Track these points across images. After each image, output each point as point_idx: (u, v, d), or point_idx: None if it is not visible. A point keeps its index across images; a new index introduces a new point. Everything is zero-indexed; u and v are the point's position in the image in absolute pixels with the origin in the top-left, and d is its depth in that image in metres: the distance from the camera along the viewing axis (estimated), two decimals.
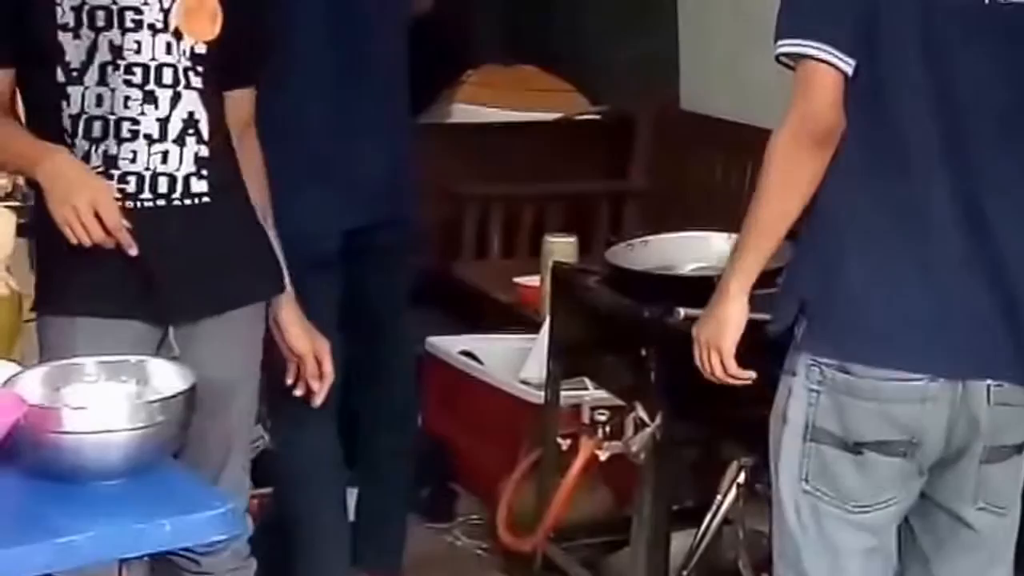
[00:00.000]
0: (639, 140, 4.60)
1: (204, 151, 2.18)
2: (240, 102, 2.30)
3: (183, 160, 2.18)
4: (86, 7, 2.14)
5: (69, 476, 1.59)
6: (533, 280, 3.82)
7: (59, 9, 2.14)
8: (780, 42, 1.87)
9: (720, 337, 2.00)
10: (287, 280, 2.36)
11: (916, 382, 1.86)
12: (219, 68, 2.21)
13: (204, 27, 2.18)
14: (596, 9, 4.94)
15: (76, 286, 2.12)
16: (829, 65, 1.83)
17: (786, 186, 1.88)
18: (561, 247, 3.72)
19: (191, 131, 2.18)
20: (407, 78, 2.99)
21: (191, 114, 2.18)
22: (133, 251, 2.07)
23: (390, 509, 3.13)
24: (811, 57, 1.83)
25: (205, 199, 2.19)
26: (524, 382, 3.39)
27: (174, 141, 2.17)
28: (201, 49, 2.18)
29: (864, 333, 1.87)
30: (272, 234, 2.35)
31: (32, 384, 1.70)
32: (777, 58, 1.89)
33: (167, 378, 1.73)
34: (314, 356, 2.39)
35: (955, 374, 1.87)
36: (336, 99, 2.87)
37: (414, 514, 3.27)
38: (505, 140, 4.59)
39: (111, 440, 1.59)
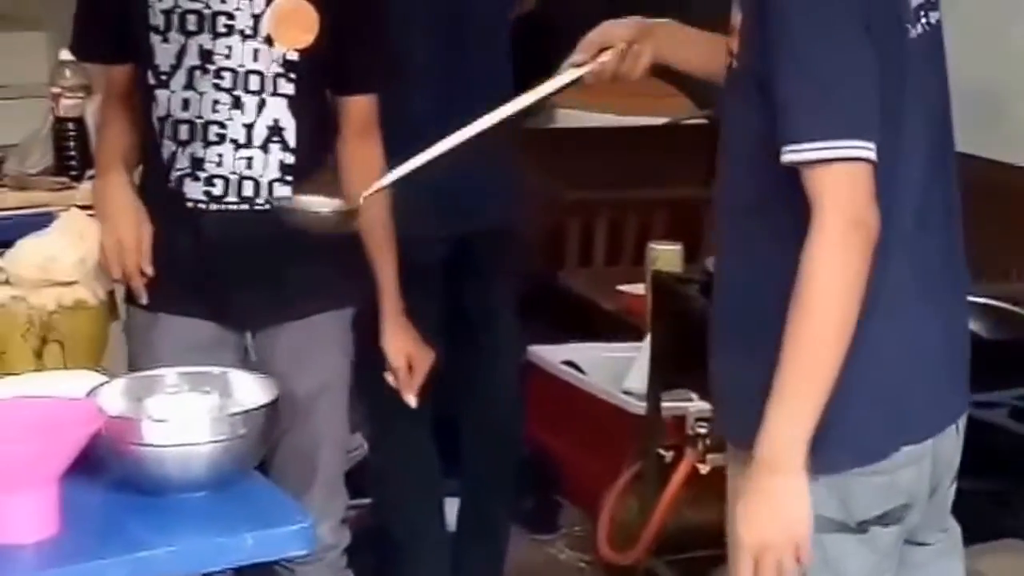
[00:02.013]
0: None
1: (290, 158, 2.17)
2: (351, 109, 2.27)
3: (267, 166, 2.16)
4: (177, 11, 2.14)
5: (150, 489, 1.58)
6: (638, 288, 3.76)
7: (151, 11, 2.15)
8: (810, 145, 1.57)
9: (797, 531, 1.60)
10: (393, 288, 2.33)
11: (926, 442, 1.70)
12: (317, 75, 2.18)
13: (296, 35, 2.15)
14: (703, 12, 4.87)
15: (159, 282, 2.12)
16: (869, 162, 1.58)
17: (847, 307, 1.57)
18: (666, 255, 3.66)
19: (275, 138, 2.16)
20: (510, 82, 2.96)
21: (276, 121, 2.16)
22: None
23: (492, 520, 3.10)
24: (857, 159, 1.57)
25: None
26: (627, 392, 3.34)
27: (259, 147, 2.15)
28: (293, 56, 2.16)
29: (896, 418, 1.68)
30: (382, 244, 2.32)
31: (114, 395, 1.69)
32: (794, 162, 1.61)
33: (249, 390, 1.71)
34: (406, 366, 2.36)
35: (945, 423, 1.73)
36: (435, 105, 2.85)
37: (516, 525, 3.23)
38: (610, 145, 4.54)
39: (192, 453, 1.57)
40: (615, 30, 1.92)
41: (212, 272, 2.12)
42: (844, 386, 1.61)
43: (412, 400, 2.38)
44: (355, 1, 2.19)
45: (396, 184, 2.63)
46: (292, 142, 2.18)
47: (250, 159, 2.16)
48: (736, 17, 1.68)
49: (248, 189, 2.17)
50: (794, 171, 1.60)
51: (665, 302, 2.89)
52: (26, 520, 1.47)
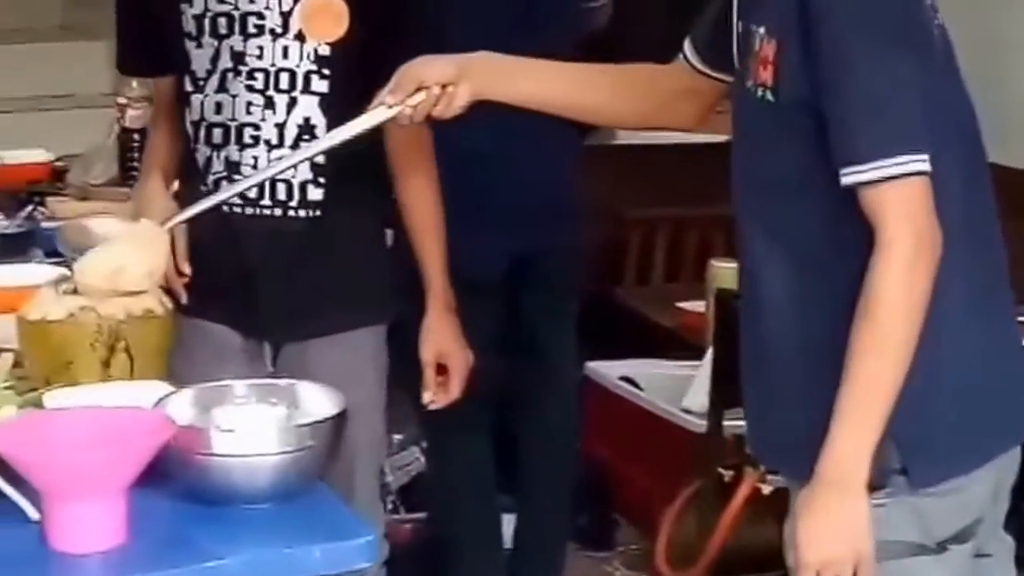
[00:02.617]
0: None
1: (321, 158, 2.16)
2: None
3: (298, 167, 2.17)
4: (208, 15, 2.16)
5: (218, 499, 1.59)
6: (697, 306, 3.75)
7: (183, 19, 2.17)
8: (872, 164, 1.57)
9: (859, 547, 1.60)
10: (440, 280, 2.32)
11: (1003, 455, 1.71)
12: (351, 70, 2.16)
13: (327, 28, 2.15)
14: None
15: (197, 288, 2.14)
16: (927, 175, 1.59)
17: (914, 324, 1.58)
18: (727, 273, 3.64)
19: (307, 137, 2.17)
20: None
21: (307, 120, 2.17)
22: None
23: (548, 536, 3.10)
24: (916, 173, 1.58)
25: (318, 211, 2.18)
26: (686, 410, 3.33)
27: (291, 147, 2.16)
28: (325, 51, 2.16)
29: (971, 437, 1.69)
30: (429, 231, 2.31)
31: (183, 405, 1.70)
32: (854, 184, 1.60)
33: (317, 402, 1.72)
34: (435, 364, 2.31)
35: (1020, 436, 1.75)
36: (499, 122, 2.85)
37: (572, 542, 3.23)
38: (671, 161, 4.53)
39: (260, 463, 1.58)
40: (428, 70, 1.84)
41: (247, 280, 2.12)
42: (929, 404, 1.61)
43: (427, 399, 2.32)
44: (407, 19, 2.19)
45: (459, 201, 2.64)
46: None
47: (281, 159, 2.16)
48: (767, 48, 1.66)
49: (281, 192, 2.18)
50: (851, 193, 1.60)
51: (728, 320, 2.87)
52: (95, 529, 1.49)
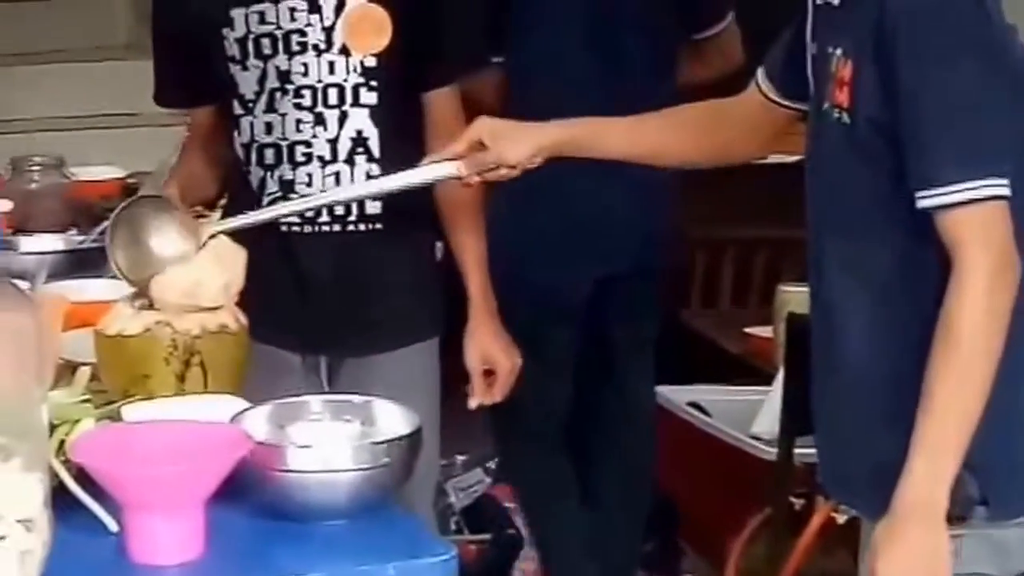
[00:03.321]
0: None
1: (375, 169, 2.19)
2: (430, 105, 2.26)
3: (354, 177, 2.19)
4: (251, 36, 2.19)
5: (293, 515, 1.61)
6: (765, 331, 3.74)
7: (226, 43, 2.19)
8: (951, 188, 1.57)
9: None
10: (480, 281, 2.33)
11: None
12: (398, 80, 2.19)
13: (370, 40, 2.17)
14: None
15: (250, 304, 2.10)
16: (1006, 199, 1.60)
17: (995, 350, 1.59)
18: (797, 297, 3.62)
19: (360, 149, 2.19)
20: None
21: (359, 132, 2.19)
22: None
23: (618, 560, 3.10)
24: (996, 197, 1.58)
25: (379, 224, 2.19)
26: (755, 437, 3.32)
27: (344, 161, 2.19)
28: (371, 62, 2.18)
29: None
30: (468, 229, 2.31)
31: (258, 421, 1.72)
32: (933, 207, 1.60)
33: (392, 420, 1.73)
34: (482, 370, 2.31)
35: None
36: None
37: (638, 569, 3.23)
38: (740, 182, 4.50)
39: (336, 480, 1.60)
40: (511, 152, 1.89)
41: (304, 296, 2.14)
42: (1008, 433, 1.61)
43: (473, 404, 2.33)
44: (440, 11, 2.21)
45: (545, 224, 2.65)
46: (376, 152, 2.20)
47: (337, 174, 2.20)
48: (844, 69, 1.66)
49: (339, 207, 2.20)
50: (928, 216, 1.60)
51: (799, 346, 2.86)
52: (173, 542, 1.51)
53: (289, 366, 2.29)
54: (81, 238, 2.76)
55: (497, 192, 2.87)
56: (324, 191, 2.21)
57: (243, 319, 1.99)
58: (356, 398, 1.78)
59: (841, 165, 1.71)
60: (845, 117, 1.67)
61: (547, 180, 2.68)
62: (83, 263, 2.58)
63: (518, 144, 1.90)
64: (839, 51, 1.67)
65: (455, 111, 2.28)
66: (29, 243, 2.68)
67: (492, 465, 3.26)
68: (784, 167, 4.65)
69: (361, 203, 2.21)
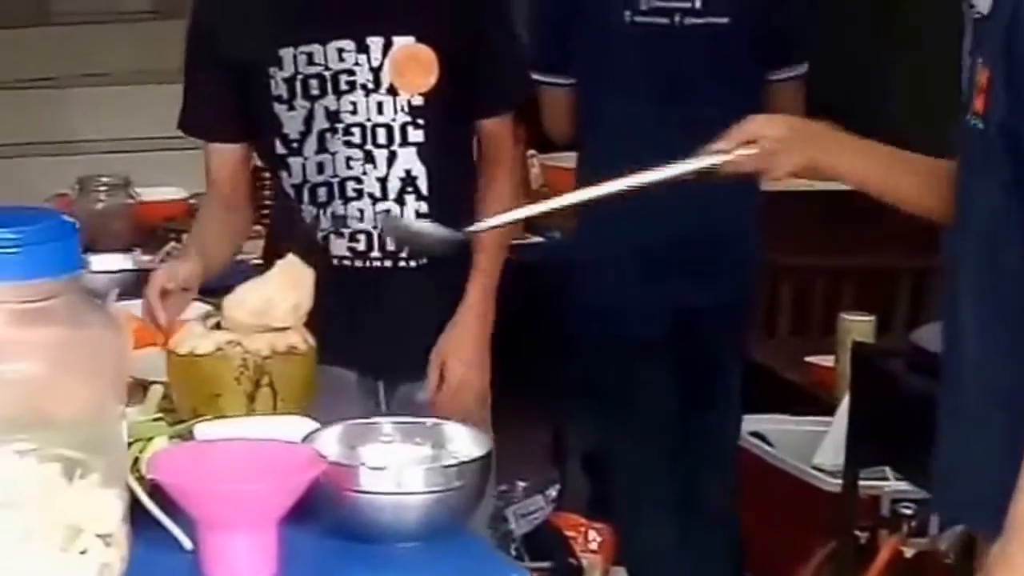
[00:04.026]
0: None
1: (424, 207, 2.21)
2: (479, 134, 2.28)
3: (404, 216, 2.22)
4: (299, 76, 2.20)
5: (365, 536, 1.62)
6: (826, 360, 3.73)
7: (272, 82, 2.20)
8: None
9: None
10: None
11: None
12: (446, 117, 2.20)
13: (417, 80, 2.19)
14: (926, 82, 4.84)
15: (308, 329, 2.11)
16: None
17: None
18: (859, 326, 3.62)
19: (409, 189, 2.21)
20: None
21: (408, 172, 2.21)
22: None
23: None
24: None
25: (429, 258, 2.21)
26: (818, 468, 3.30)
27: (394, 200, 2.21)
28: (419, 101, 2.19)
29: None
30: (487, 250, 2.30)
31: (329, 442, 1.74)
32: None
33: (463, 443, 1.74)
34: (437, 368, 2.28)
35: None
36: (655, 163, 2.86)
37: None
38: (799, 209, 4.51)
39: (409, 502, 1.61)
40: (765, 127, 1.86)
41: (359, 325, 2.14)
42: None
43: (420, 398, 2.28)
44: (472, 32, 2.20)
45: (621, 258, 2.65)
46: (425, 190, 2.22)
47: (387, 211, 2.22)
48: (982, 75, 1.65)
49: (390, 243, 2.21)
50: None
51: (866, 376, 2.86)
52: (247, 560, 1.53)
53: (349, 386, 2.31)
54: (148, 257, 2.80)
55: (578, 214, 2.89)
56: (376, 227, 2.22)
57: (311, 340, 2.01)
58: (427, 420, 1.79)
59: (976, 174, 1.68)
60: (979, 123, 1.66)
61: (625, 212, 2.71)
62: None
63: (775, 120, 1.89)
64: (980, 60, 1.66)
65: (502, 141, 2.31)
66: (98, 262, 2.72)
67: (553, 492, 3.26)
68: (841, 195, 4.65)
69: None
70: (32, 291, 1.38)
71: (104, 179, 3.23)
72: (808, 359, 3.86)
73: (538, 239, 3.62)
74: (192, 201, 3.53)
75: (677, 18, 2.85)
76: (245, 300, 1.97)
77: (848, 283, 4.31)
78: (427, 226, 2.11)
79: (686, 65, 2.85)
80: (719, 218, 2.88)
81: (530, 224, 3.63)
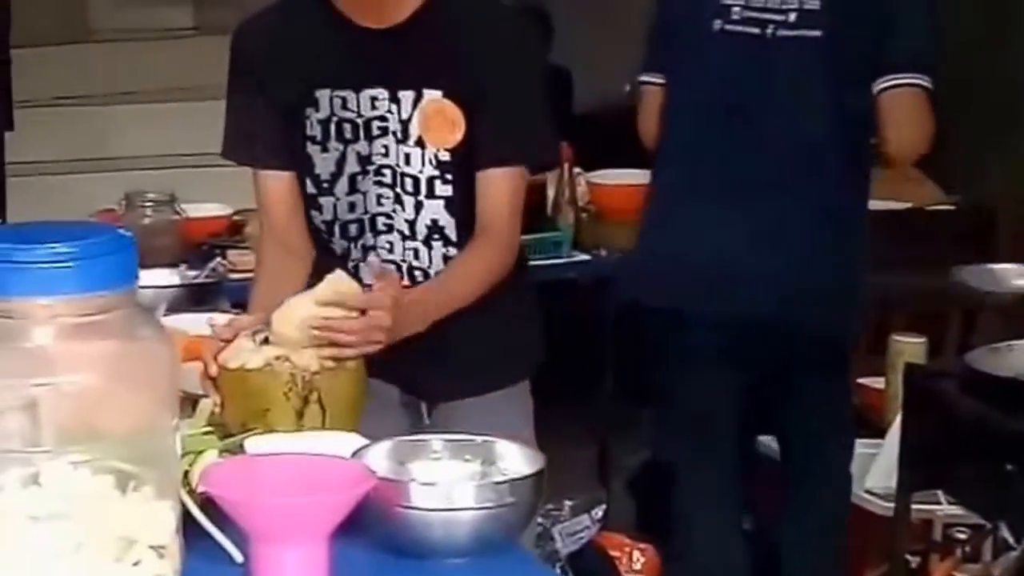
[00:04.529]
0: (1000, 236, 4.45)
1: (453, 251, 2.24)
2: (486, 184, 2.21)
3: (432, 260, 2.25)
4: (334, 119, 2.22)
5: (415, 552, 1.64)
6: (876, 382, 3.71)
7: (308, 122, 2.23)
8: None
9: None
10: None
11: None
12: (473, 172, 2.21)
13: (444, 135, 2.20)
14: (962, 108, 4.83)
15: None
16: None
17: None
18: (910, 348, 3.61)
19: (436, 236, 2.23)
20: (841, 165, 2.89)
21: (435, 221, 2.23)
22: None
23: None
24: None
25: None
26: (868, 491, 3.29)
27: (422, 242, 2.23)
28: (445, 156, 2.21)
29: None
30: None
31: (378, 458, 1.76)
32: None
33: (514, 460, 1.76)
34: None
35: None
36: (728, 174, 2.87)
37: None
38: None
39: (459, 518, 1.62)
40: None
41: (396, 347, 2.14)
42: None
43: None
44: (496, 90, 2.20)
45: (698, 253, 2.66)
46: (454, 237, 2.24)
47: (416, 251, 2.25)
48: None
49: (419, 277, 2.25)
50: None
51: (919, 398, 2.85)
52: (296, 574, 1.54)
53: (393, 402, 2.33)
54: (194, 273, 2.83)
55: (654, 218, 2.89)
56: (405, 261, 2.25)
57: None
58: (477, 437, 1.81)
59: None
60: None
61: (712, 209, 2.72)
62: (197, 297, 2.65)
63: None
64: None
65: (502, 195, 2.22)
66: (145, 277, 2.74)
67: (599, 512, 3.27)
68: (892, 214, 4.65)
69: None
70: (88, 304, 1.40)
71: (150, 195, 3.27)
72: (859, 380, 3.85)
73: (584, 256, 3.64)
74: (237, 217, 3.58)
75: (769, 29, 2.84)
76: (293, 314, 1.99)
77: (896, 304, 4.29)
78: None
79: (769, 77, 2.84)
80: (779, 235, 2.87)
81: (576, 242, 3.66)
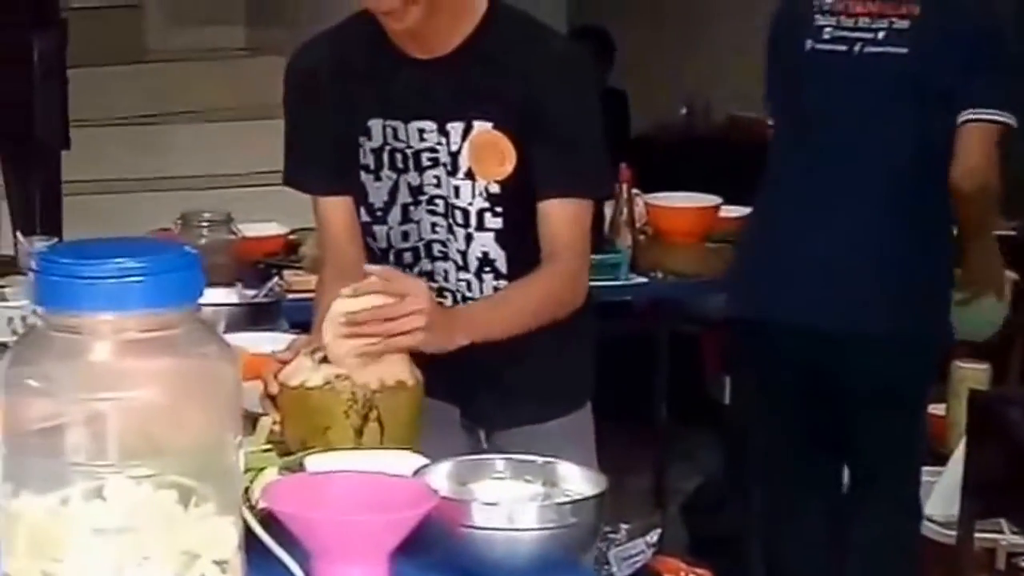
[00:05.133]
0: None
1: (503, 284, 2.24)
2: (546, 214, 2.20)
3: (483, 292, 2.25)
4: (387, 148, 2.23)
5: (476, 572, 1.64)
6: (938, 408, 3.69)
7: (361, 151, 2.24)
8: None
9: None
10: None
11: None
12: (524, 205, 2.20)
13: (493, 168, 2.20)
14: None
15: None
16: None
17: None
18: (973, 374, 3.59)
19: (487, 268, 2.24)
20: (926, 181, 2.96)
21: (485, 254, 2.23)
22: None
23: None
24: None
25: None
26: (929, 519, 3.27)
27: (473, 274, 2.24)
28: (495, 188, 2.21)
29: None
30: None
31: (439, 477, 1.76)
32: None
33: (576, 481, 1.76)
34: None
35: None
36: (815, 186, 2.96)
37: None
38: None
39: (522, 538, 1.63)
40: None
41: (454, 370, 2.14)
42: None
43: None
44: (554, 121, 2.19)
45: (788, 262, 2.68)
46: (505, 270, 2.25)
47: (468, 282, 2.25)
48: None
49: (471, 290, 2.26)
50: None
51: (982, 425, 2.84)
52: None
53: (453, 423, 2.34)
54: (252, 292, 2.85)
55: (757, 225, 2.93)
56: (459, 290, 2.26)
57: (419, 375, 2.04)
58: (538, 458, 1.81)
59: None
60: None
61: (800, 220, 2.76)
62: (255, 316, 2.67)
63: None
64: None
65: (564, 224, 2.20)
66: (205, 296, 2.77)
67: (654, 537, 3.26)
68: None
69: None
70: (154, 320, 1.42)
71: (206, 214, 3.30)
72: None
73: (641, 279, 3.64)
74: (292, 237, 3.60)
75: (857, 47, 2.94)
76: (333, 313, 2.00)
77: None
78: None
79: (856, 92, 2.93)
80: (858, 239, 2.93)
81: (633, 264, 3.66)
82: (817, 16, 2.98)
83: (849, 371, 2.95)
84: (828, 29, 2.96)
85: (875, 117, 2.91)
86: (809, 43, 2.99)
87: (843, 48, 2.95)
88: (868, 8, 2.92)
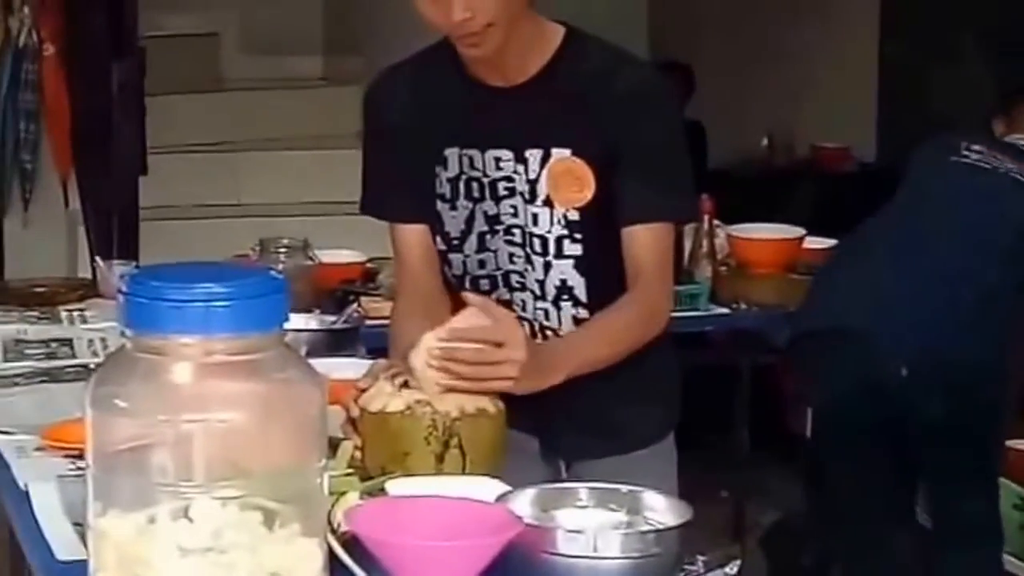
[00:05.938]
0: None
1: (583, 313, 2.24)
2: (631, 241, 2.20)
3: (562, 321, 2.25)
4: (463, 177, 2.24)
5: None
6: (1020, 444, 3.66)
7: (437, 180, 2.25)
8: None
9: None
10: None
11: None
12: (603, 232, 2.20)
13: (572, 194, 2.20)
14: None
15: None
16: None
17: None
18: None
19: (566, 296, 2.24)
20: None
21: (564, 281, 2.23)
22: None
23: None
24: None
25: None
26: (1011, 554, 3.25)
27: (551, 302, 2.24)
28: (574, 215, 2.21)
29: None
30: None
31: (523, 504, 1.77)
32: None
33: (660, 511, 1.76)
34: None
35: None
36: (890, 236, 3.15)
37: None
38: None
39: (606, 567, 1.63)
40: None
41: (539, 404, 2.14)
42: None
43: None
44: (637, 146, 2.18)
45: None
46: (583, 298, 2.25)
47: (546, 311, 2.26)
48: None
49: (550, 336, 2.26)
50: None
51: None
52: None
53: (532, 453, 2.34)
54: (332, 318, 2.88)
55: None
56: (537, 320, 2.27)
57: (500, 404, 2.05)
58: (623, 487, 1.82)
59: None
60: None
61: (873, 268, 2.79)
62: (335, 342, 2.70)
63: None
64: None
65: (649, 255, 2.20)
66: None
67: (733, 569, 3.24)
68: None
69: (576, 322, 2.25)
70: (241, 344, 1.44)
71: (284, 241, 3.34)
72: (1007, 443, 3.79)
73: (723, 310, 3.64)
74: (370, 265, 3.63)
75: (1003, 168, 3.24)
76: (423, 347, 2.02)
77: None
78: None
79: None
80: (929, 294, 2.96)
81: (714, 296, 3.66)
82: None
83: (926, 397, 2.96)
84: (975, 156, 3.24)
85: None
86: (954, 158, 3.25)
87: (988, 166, 3.21)
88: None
